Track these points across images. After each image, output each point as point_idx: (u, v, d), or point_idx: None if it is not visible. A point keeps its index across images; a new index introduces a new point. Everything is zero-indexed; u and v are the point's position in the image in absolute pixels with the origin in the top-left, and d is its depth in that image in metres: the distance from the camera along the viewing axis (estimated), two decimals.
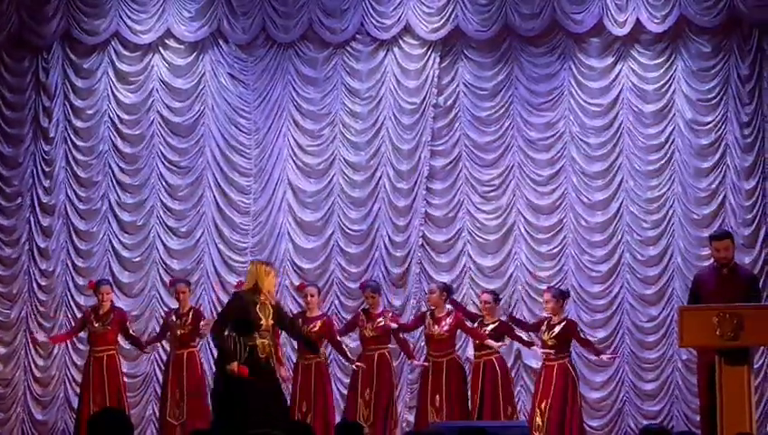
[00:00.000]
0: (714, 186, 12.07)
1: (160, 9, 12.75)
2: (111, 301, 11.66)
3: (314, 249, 12.63)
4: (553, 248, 12.33)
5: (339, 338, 11.34)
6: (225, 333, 9.42)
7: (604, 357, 11.14)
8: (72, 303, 12.76)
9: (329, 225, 12.64)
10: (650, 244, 12.18)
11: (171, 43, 12.90)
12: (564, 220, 12.35)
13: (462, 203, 12.51)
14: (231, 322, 9.45)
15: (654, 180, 12.20)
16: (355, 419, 10.85)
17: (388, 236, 12.49)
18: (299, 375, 11.14)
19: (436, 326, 11.07)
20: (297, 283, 12.50)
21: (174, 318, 11.49)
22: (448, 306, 11.27)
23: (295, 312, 11.81)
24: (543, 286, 12.20)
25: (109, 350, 11.44)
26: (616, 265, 12.20)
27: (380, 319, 11.18)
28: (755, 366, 10.92)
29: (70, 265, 12.86)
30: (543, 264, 12.33)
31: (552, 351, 10.79)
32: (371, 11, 12.45)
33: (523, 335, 11.23)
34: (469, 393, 11.13)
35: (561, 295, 11.04)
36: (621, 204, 12.24)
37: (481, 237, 12.46)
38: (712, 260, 10.17)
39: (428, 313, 11.24)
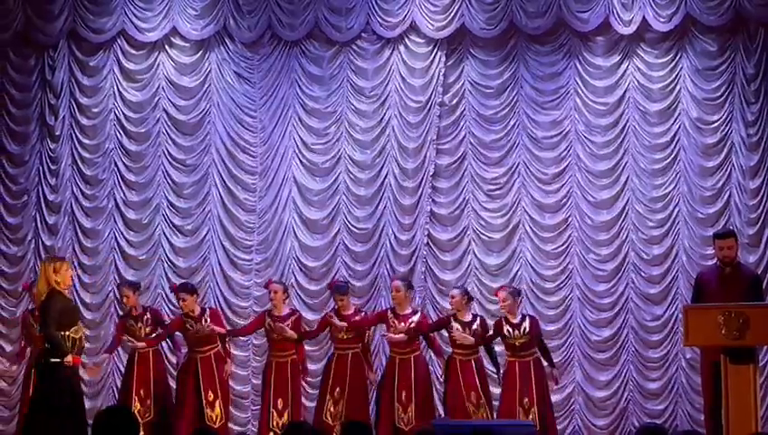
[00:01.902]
0: (719, 185, 12.07)
1: (166, 7, 12.76)
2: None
3: (320, 247, 12.64)
4: (558, 247, 12.33)
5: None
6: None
7: (554, 372, 11.02)
8: (77, 301, 12.76)
9: (334, 223, 12.65)
10: (655, 243, 12.18)
11: (177, 41, 12.91)
12: (569, 219, 12.35)
13: (467, 201, 12.52)
14: (57, 319, 9.58)
15: (659, 179, 12.20)
16: (322, 416, 10.94)
17: (394, 235, 12.50)
18: (272, 372, 11.13)
19: (402, 324, 11.00)
20: (303, 281, 12.53)
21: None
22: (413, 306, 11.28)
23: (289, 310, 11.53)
24: (549, 285, 12.25)
25: None
26: (621, 264, 12.19)
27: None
28: (760, 364, 10.94)
29: (76, 262, 12.86)
30: (548, 262, 12.34)
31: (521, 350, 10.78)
32: (377, 9, 12.45)
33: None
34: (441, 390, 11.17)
35: (517, 293, 11.06)
36: (627, 203, 12.24)
37: (486, 236, 12.46)
38: (715, 259, 10.19)
39: (390, 311, 11.17)
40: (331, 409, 11.00)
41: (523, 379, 10.72)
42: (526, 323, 10.82)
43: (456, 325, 10.87)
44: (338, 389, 11.04)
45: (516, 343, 10.78)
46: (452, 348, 10.98)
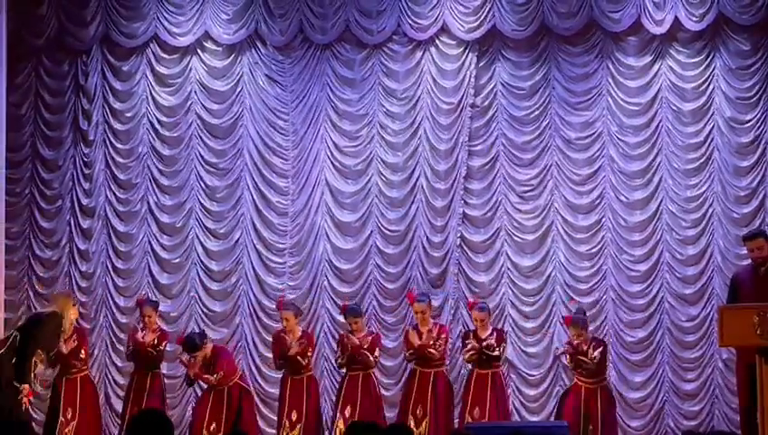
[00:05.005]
0: (754, 184, 12.01)
1: (198, 11, 12.81)
2: (77, 318, 11.61)
3: (352, 250, 12.64)
4: (592, 248, 12.29)
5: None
6: None
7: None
8: (112, 304, 12.84)
9: (366, 226, 12.65)
10: (690, 243, 12.12)
11: (209, 45, 12.96)
12: (603, 220, 12.30)
13: (500, 203, 12.49)
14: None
15: (693, 179, 12.14)
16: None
17: (426, 237, 12.49)
18: (287, 389, 11.13)
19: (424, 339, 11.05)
20: (336, 284, 12.52)
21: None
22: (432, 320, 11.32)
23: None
24: (582, 286, 12.21)
25: (82, 371, 11.41)
26: (655, 265, 12.14)
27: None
28: None
29: (110, 266, 12.94)
30: (582, 263, 12.29)
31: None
32: (408, 11, 12.46)
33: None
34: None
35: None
36: (660, 203, 12.18)
37: (519, 237, 12.43)
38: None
39: (412, 327, 11.22)
40: (341, 426, 10.91)
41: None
42: (597, 352, 10.82)
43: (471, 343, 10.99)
44: (348, 407, 11.00)
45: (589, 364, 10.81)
46: (470, 364, 11.08)
